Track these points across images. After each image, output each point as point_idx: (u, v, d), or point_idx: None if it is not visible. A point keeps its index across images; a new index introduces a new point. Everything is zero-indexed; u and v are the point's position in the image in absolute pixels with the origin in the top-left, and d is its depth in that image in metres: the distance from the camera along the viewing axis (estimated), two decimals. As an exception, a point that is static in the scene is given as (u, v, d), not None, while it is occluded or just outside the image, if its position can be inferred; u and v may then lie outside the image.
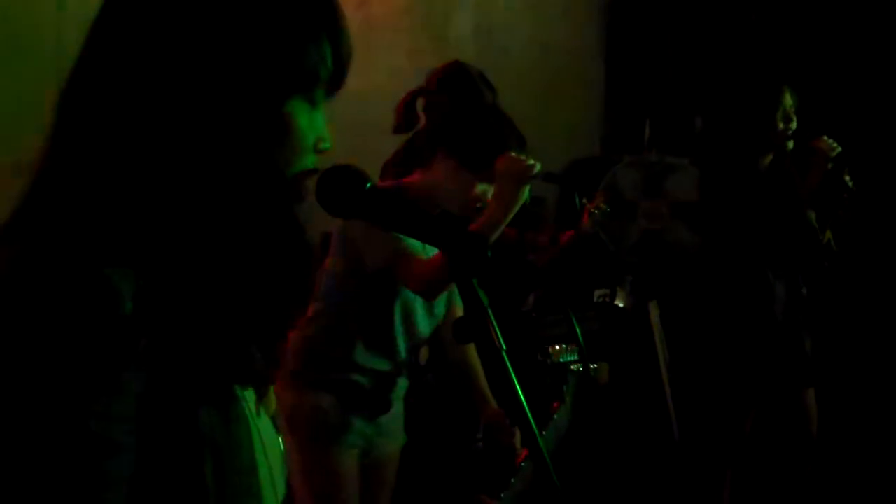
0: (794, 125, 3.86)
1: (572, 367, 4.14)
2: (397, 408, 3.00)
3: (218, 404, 1.08)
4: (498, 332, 1.26)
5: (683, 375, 4.66)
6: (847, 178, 3.87)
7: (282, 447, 1.25)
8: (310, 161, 1.14)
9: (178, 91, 1.04)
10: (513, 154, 2.78)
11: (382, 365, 2.88)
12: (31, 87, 3.80)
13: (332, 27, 1.13)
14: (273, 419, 1.23)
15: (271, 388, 1.23)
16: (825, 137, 3.89)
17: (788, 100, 3.86)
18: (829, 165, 3.84)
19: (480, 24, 5.60)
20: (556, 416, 2.77)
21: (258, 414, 1.18)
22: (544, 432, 2.63)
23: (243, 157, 1.07)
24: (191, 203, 1.06)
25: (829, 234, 3.93)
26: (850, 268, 4.45)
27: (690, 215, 4.86)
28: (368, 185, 1.29)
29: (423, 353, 3.75)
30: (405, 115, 2.85)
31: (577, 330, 2.75)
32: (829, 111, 4.77)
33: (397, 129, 2.87)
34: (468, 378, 3.08)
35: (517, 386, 1.25)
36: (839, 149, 3.85)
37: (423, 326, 2.92)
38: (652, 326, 4.91)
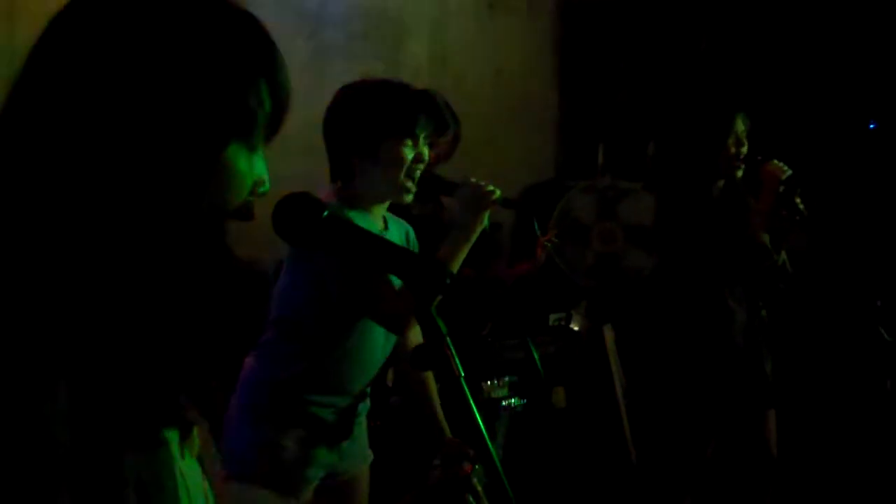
0: (745, 150, 3.90)
1: (503, 402, 4.14)
2: (358, 430, 2.95)
3: (144, 450, 1.05)
4: (457, 360, 1.26)
5: (641, 399, 4.68)
6: (798, 200, 3.90)
7: (207, 491, 1.21)
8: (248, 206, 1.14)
9: (110, 133, 1.02)
10: (473, 180, 2.79)
11: (344, 399, 2.84)
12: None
13: (270, 72, 1.12)
14: (199, 460, 1.20)
15: (195, 429, 1.20)
16: (775, 161, 3.93)
17: (740, 125, 3.90)
18: (781, 188, 3.87)
19: (435, 51, 5.61)
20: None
21: (182, 456, 1.15)
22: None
23: (180, 200, 1.05)
24: (118, 245, 1.02)
25: (783, 257, 3.97)
26: (805, 289, 4.49)
27: (644, 239, 4.90)
28: (326, 213, 1.29)
29: (389, 375, 3.73)
30: None
31: (536, 357, 2.76)
32: (780, 134, 4.83)
33: None
34: (427, 406, 3.06)
35: (476, 412, 1.25)
36: (789, 171, 3.89)
37: (382, 353, 2.89)
38: (607, 350, 4.94)
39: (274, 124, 1.14)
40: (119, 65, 1.03)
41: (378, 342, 2.84)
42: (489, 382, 4.28)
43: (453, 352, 1.25)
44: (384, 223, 2.89)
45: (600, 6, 6.16)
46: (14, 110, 1.06)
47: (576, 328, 4.89)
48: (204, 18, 1.08)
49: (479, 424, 1.24)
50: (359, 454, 2.98)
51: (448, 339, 1.25)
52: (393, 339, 2.90)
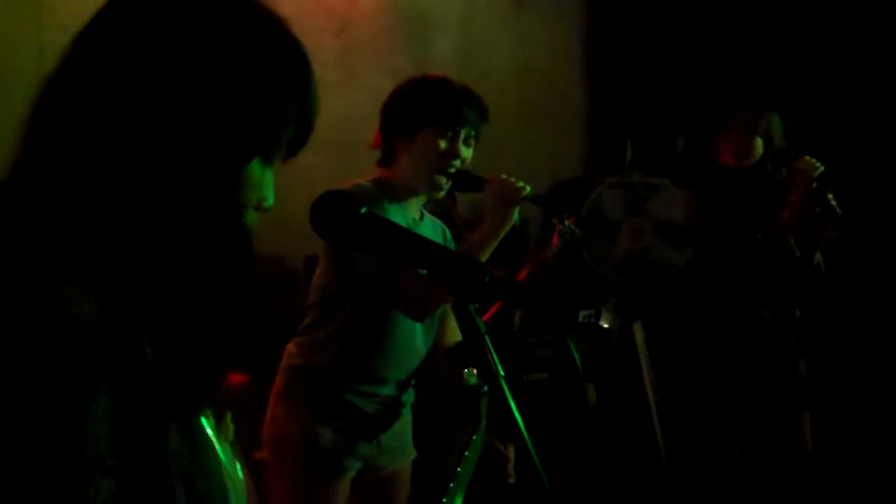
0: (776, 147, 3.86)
1: (484, 388, 4.12)
2: (400, 425, 2.92)
3: (184, 431, 1.09)
4: (495, 358, 1.24)
5: (670, 396, 4.65)
6: (830, 196, 3.85)
7: (241, 475, 1.24)
8: (249, 217, 1.16)
9: (147, 130, 1.07)
10: (503, 177, 2.79)
11: (382, 389, 2.82)
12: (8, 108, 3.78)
13: (303, 97, 1.15)
14: (232, 444, 1.25)
15: (228, 414, 1.25)
16: (807, 157, 3.87)
17: (775, 127, 3.85)
18: (813, 185, 3.81)
19: (461, 47, 5.60)
20: (473, 438, 2.73)
21: (218, 441, 1.20)
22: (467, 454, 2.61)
23: (196, 197, 1.10)
24: (148, 229, 1.09)
25: (818, 257, 3.90)
26: (839, 287, 4.42)
27: (673, 235, 4.87)
28: (363, 210, 1.28)
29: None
30: None
31: (575, 353, 2.74)
32: (812, 130, 4.77)
33: None
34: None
35: (515, 410, 1.23)
36: (821, 168, 3.83)
37: (423, 343, 2.88)
38: (637, 347, 4.91)
39: (296, 146, 1.18)
40: (158, 75, 1.07)
41: (416, 332, 2.83)
42: (466, 370, 4.26)
43: (492, 350, 1.24)
44: (420, 215, 2.89)
45: (628, 2, 6.12)
46: (52, 111, 1.10)
47: (605, 325, 4.86)
48: (246, 38, 1.11)
49: (518, 424, 1.22)
50: (400, 450, 2.96)
51: (487, 337, 1.23)
52: (433, 329, 2.89)
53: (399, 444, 2.95)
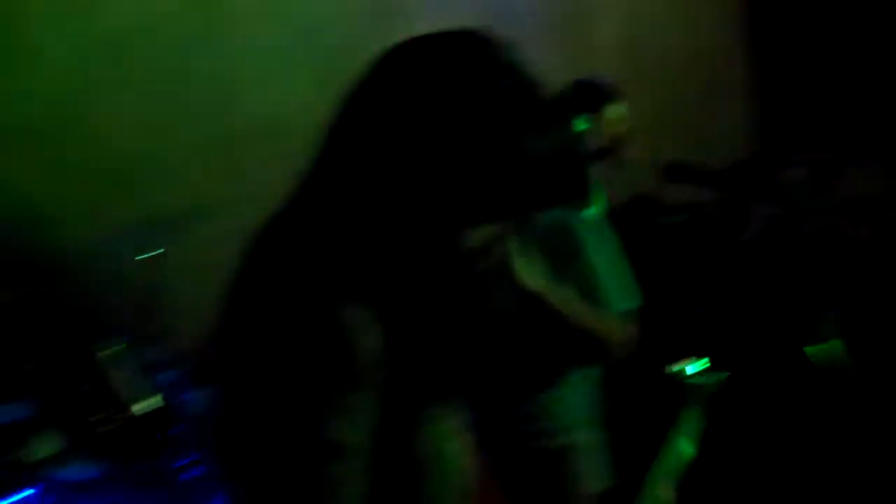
0: None
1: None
2: None
3: (429, 423, 1.31)
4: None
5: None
6: None
7: (465, 460, 1.43)
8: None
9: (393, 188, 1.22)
10: None
11: None
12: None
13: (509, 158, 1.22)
14: (461, 437, 1.43)
15: (455, 413, 1.42)
16: None
17: None
18: None
19: (624, 32, 5.55)
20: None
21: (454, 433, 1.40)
22: None
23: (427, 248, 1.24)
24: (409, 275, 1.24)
25: None
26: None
27: (860, 211, 4.74)
28: None
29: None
30: None
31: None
32: None
33: None
34: None
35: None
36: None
37: None
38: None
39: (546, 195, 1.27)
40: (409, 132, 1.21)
41: None
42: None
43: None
44: None
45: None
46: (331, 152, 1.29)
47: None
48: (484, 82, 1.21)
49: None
50: None
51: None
52: None
53: None
